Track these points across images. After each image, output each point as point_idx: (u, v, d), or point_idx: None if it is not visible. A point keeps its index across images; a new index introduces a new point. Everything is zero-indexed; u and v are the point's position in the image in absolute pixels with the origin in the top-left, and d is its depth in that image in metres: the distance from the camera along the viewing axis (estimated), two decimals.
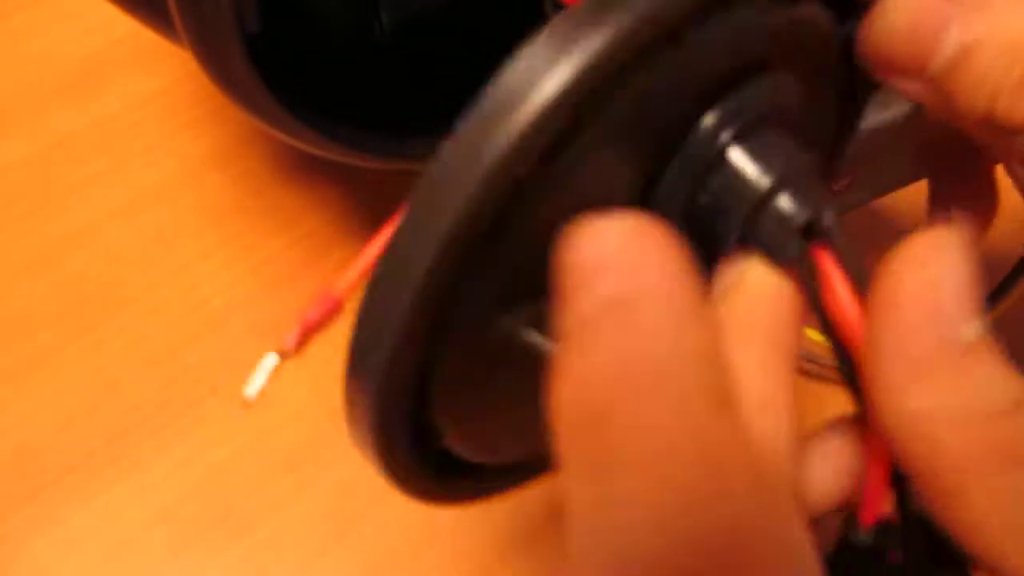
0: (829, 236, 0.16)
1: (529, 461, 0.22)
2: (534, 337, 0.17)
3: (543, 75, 0.14)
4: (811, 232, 0.16)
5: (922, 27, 0.19)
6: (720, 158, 0.17)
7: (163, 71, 0.43)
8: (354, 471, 0.32)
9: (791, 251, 0.16)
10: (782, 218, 0.17)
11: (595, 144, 0.16)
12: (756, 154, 0.17)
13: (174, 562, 0.30)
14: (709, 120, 0.17)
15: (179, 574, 0.30)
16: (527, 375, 0.17)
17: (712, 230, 0.17)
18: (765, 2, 0.17)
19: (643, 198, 0.17)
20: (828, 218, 0.16)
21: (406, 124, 0.29)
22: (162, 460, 0.32)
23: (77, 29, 0.45)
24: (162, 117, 0.41)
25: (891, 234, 0.19)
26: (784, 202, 0.17)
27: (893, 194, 0.34)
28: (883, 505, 0.17)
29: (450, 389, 0.18)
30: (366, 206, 0.39)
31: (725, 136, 0.17)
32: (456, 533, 0.31)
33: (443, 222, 0.14)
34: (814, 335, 0.19)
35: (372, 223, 0.25)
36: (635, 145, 0.17)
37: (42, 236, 0.37)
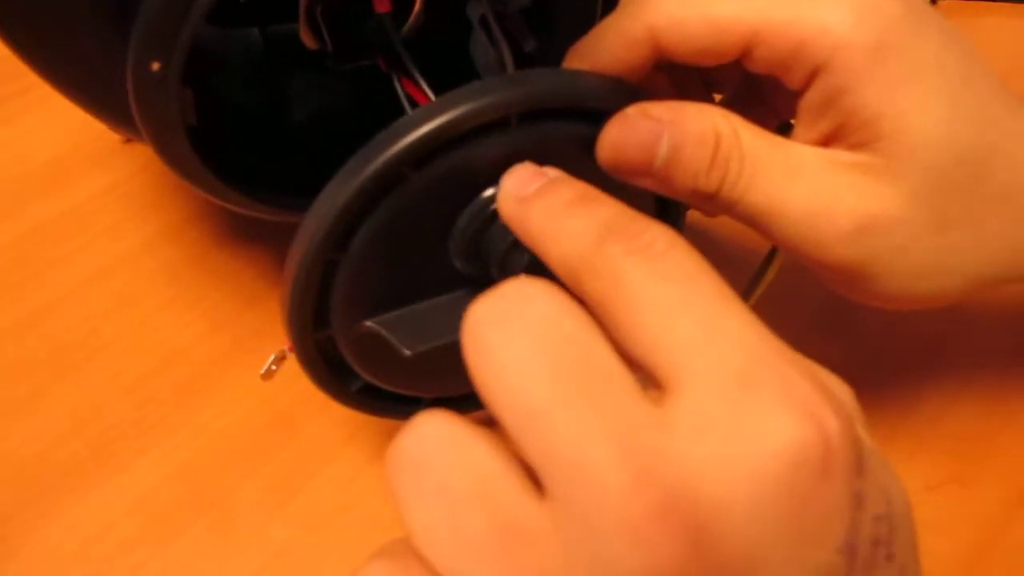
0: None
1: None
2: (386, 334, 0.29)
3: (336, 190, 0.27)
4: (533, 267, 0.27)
5: (643, 142, 0.27)
6: (493, 218, 0.28)
7: (119, 167, 0.52)
8: (290, 457, 0.39)
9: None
10: (519, 259, 0.27)
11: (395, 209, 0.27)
12: None
13: (151, 537, 0.37)
14: (488, 192, 0.28)
15: (155, 545, 0.37)
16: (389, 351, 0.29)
17: (487, 257, 0.29)
18: (523, 127, 0.27)
19: (447, 229, 0.29)
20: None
21: (315, 187, 0.38)
22: (137, 463, 0.39)
23: (42, 139, 0.53)
24: (120, 203, 0.50)
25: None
26: (521, 250, 0.27)
27: None
28: None
29: (353, 349, 0.30)
30: None
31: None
32: (373, 500, 0.38)
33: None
34: None
35: None
36: (442, 201, 0.28)
37: (31, 300, 0.45)
